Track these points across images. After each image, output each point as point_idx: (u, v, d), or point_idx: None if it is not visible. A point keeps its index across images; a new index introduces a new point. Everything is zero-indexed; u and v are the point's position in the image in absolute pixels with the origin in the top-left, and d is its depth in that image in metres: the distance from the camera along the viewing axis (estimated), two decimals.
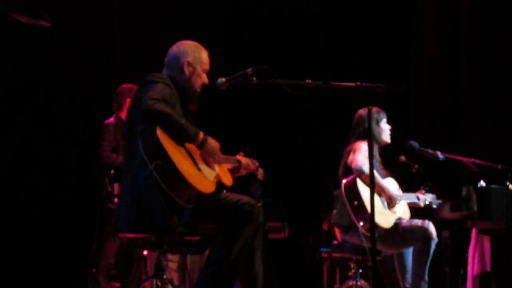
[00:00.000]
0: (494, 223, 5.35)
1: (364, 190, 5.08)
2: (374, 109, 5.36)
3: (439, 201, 5.50)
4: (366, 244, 4.99)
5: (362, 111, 5.41)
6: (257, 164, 4.55)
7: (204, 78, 4.20)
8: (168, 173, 3.74)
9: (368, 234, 4.95)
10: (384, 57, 7.64)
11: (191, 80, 4.15)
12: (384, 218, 5.12)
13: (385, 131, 5.44)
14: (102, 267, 6.20)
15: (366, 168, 5.07)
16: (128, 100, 6.31)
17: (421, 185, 5.55)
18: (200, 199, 3.82)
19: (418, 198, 5.42)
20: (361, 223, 5.00)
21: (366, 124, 5.16)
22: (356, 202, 5.04)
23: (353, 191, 5.10)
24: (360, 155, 5.14)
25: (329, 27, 7.91)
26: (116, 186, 6.12)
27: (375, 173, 5.13)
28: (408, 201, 5.40)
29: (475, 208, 5.37)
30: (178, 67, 4.15)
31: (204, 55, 4.21)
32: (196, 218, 3.93)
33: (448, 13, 7.57)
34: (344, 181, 5.19)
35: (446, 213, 5.47)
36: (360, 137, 5.31)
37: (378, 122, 5.40)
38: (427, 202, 5.43)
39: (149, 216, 3.86)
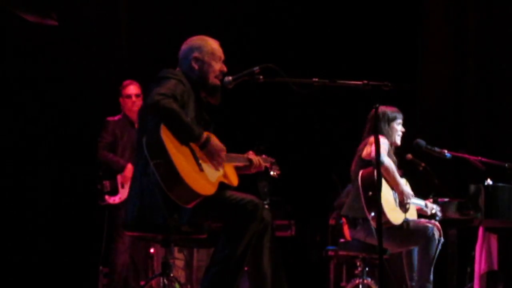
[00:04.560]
0: (501, 221, 5.35)
1: (381, 183, 5.08)
2: (391, 109, 5.37)
3: (441, 215, 5.48)
4: (371, 239, 5.01)
5: (381, 108, 5.39)
6: (273, 161, 4.52)
7: (220, 67, 4.14)
8: (167, 173, 3.73)
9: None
10: (391, 56, 7.63)
11: (203, 73, 4.11)
12: (395, 215, 5.13)
13: (396, 131, 5.39)
14: (117, 265, 6.19)
15: (385, 159, 5.09)
16: (120, 99, 6.38)
17: (428, 184, 5.54)
18: (198, 200, 3.81)
19: (426, 206, 5.41)
20: (372, 214, 5.00)
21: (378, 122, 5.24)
22: (371, 193, 5.04)
23: (370, 181, 5.09)
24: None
25: (335, 25, 7.90)
26: (106, 184, 6.14)
27: (393, 166, 5.15)
28: (417, 205, 5.40)
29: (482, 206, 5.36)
30: (188, 65, 4.14)
31: (212, 44, 4.16)
32: (199, 216, 3.93)
33: (455, 10, 7.56)
34: (361, 171, 5.19)
35: (452, 212, 5.46)
36: (371, 133, 5.29)
37: (389, 121, 5.36)
38: (433, 212, 5.42)
39: (150, 213, 3.86)
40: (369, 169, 5.16)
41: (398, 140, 5.43)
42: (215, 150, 3.96)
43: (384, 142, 5.19)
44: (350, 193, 5.42)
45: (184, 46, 4.20)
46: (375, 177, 5.02)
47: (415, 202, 5.35)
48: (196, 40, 4.20)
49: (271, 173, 4.49)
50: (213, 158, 3.97)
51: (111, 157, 6.18)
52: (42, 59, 6.90)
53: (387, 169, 5.11)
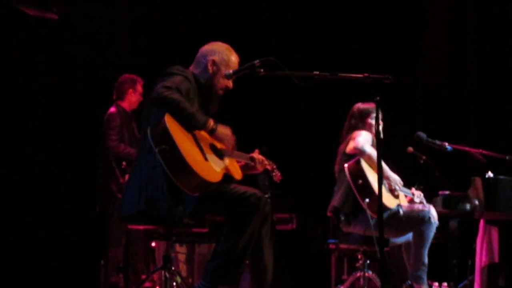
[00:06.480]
0: (502, 214, 5.36)
1: (368, 170, 5.13)
2: (365, 104, 5.41)
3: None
4: (370, 231, 5.02)
5: (356, 105, 5.47)
6: (275, 166, 4.56)
7: (228, 82, 4.19)
8: (173, 159, 3.74)
9: (373, 215, 4.96)
10: (391, 49, 7.62)
11: (214, 79, 4.16)
12: (388, 199, 5.16)
13: (371, 126, 5.37)
14: (110, 259, 6.20)
15: (367, 148, 5.13)
16: (130, 91, 6.32)
17: (429, 177, 5.55)
18: (204, 187, 3.82)
19: (413, 194, 5.44)
20: (367, 200, 5.02)
21: (353, 120, 5.36)
22: (360, 181, 5.07)
23: (357, 170, 5.12)
24: (360, 138, 5.19)
25: (336, 19, 7.89)
26: (127, 177, 6.12)
27: (376, 153, 5.17)
28: (405, 193, 5.42)
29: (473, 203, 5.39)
30: (204, 65, 4.18)
31: (233, 58, 4.21)
32: (202, 209, 3.94)
33: (456, 4, 7.55)
34: (346, 165, 5.21)
35: (439, 207, 5.47)
36: (352, 130, 5.36)
37: (363, 117, 5.39)
38: (420, 199, 5.44)
39: (155, 205, 3.87)
40: (352, 160, 5.19)
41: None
42: (224, 133, 4.04)
43: (367, 134, 5.24)
44: (336, 192, 5.41)
45: (207, 46, 4.25)
46: (361, 165, 5.09)
47: (403, 190, 5.38)
48: (221, 46, 4.25)
49: (273, 177, 4.55)
50: (223, 141, 4.06)
51: (128, 150, 6.13)
52: (41, 54, 6.89)
53: (370, 157, 5.13)
